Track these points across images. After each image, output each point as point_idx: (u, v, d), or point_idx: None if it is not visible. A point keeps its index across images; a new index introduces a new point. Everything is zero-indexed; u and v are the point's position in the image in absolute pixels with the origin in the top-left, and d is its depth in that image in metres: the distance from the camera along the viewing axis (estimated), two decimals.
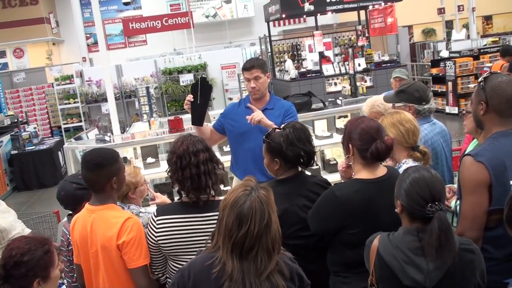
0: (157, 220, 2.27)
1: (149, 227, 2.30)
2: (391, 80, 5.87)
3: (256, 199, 1.79)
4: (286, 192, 2.48)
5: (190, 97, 3.39)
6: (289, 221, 2.41)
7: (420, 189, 1.91)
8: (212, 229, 2.17)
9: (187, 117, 6.17)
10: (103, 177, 2.34)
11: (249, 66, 3.48)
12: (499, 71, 2.54)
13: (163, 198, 3.06)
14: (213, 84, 11.89)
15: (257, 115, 3.34)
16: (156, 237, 2.26)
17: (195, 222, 2.24)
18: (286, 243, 2.22)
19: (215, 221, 2.17)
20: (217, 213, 2.17)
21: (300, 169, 2.63)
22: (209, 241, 1.93)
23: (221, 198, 2.34)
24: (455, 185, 2.81)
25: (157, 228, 2.26)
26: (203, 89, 3.43)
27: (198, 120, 3.48)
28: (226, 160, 4.55)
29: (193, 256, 2.20)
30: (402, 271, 1.87)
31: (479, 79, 2.29)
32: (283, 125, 2.67)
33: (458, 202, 2.53)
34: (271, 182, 2.58)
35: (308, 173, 2.88)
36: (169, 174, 2.33)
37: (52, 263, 1.91)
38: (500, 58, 8.83)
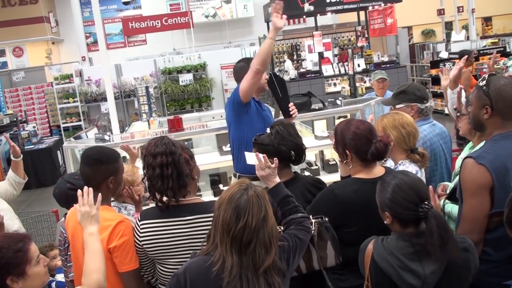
0: (141, 225, 2.26)
1: (134, 231, 2.29)
2: (372, 83, 5.77)
3: (253, 193, 1.84)
4: None
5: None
6: None
7: (406, 194, 1.92)
8: (195, 232, 2.20)
9: (186, 117, 6.20)
10: (100, 174, 2.33)
11: None
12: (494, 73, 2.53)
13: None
14: (212, 84, 11.91)
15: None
16: (140, 241, 2.25)
17: (176, 225, 2.22)
18: None
19: (197, 224, 2.20)
20: (199, 216, 2.21)
21: (293, 169, 2.65)
22: (204, 243, 1.94)
23: (202, 200, 2.36)
24: (449, 183, 2.81)
25: (141, 233, 2.25)
26: (278, 83, 3.51)
27: (287, 113, 3.57)
28: (225, 160, 4.57)
29: (179, 260, 2.22)
30: (399, 277, 1.87)
31: (480, 83, 2.26)
32: (271, 125, 2.71)
33: (446, 201, 2.54)
34: None
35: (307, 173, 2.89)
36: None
37: (26, 261, 1.93)
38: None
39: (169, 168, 2.21)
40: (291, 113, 3.57)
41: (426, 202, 1.90)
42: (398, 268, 1.87)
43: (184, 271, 1.87)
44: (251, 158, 2.33)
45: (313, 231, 2.17)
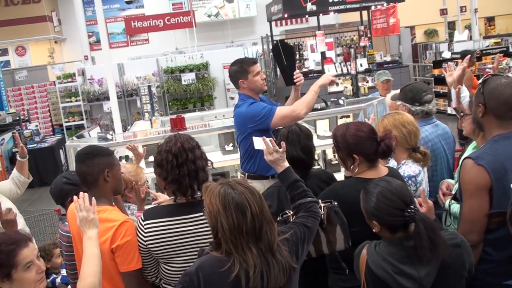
0: (145, 225, 2.24)
1: (137, 231, 2.27)
2: (376, 83, 5.67)
3: (235, 184, 1.83)
4: None
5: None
6: None
7: (390, 201, 1.93)
8: (200, 230, 2.19)
9: (189, 116, 6.20)
10: (94, 167, 2.33)
11: (255, 60, 3.59)
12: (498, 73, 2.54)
13: (164, 197, 3.05)
14: (214, 84, 11.91)
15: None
16: (145, 241, 2.23)
17: (183, 224, 2.21)
18: None
19: (203, 222, 2.17)
20: (203, 213, 2.15)
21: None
22: (211, 244, 1.93)
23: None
24: (452, 181, 2.82)
25: (145, 233, 2.23)
26: (285, 51, 3.58)
27: (291, 81, 3.62)
28: (226, 159, 4.58)
29: (185, 258, 2.22)
30: (395, 282, 1.88)
31: (480, 81, 2.27)
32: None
33: (452, 201, 2.54)
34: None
35: None
36: (160, 175, 2.27)
37: (11, 264, 1.90)
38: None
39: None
40: (295, 80, 3.63)
41: (412, 206, 1.91)
42: (393, 273, 1.88)
43: (196, 270, 1.83)
44: (259, 143, 2.31)
45: (322, 215, 2.16)
